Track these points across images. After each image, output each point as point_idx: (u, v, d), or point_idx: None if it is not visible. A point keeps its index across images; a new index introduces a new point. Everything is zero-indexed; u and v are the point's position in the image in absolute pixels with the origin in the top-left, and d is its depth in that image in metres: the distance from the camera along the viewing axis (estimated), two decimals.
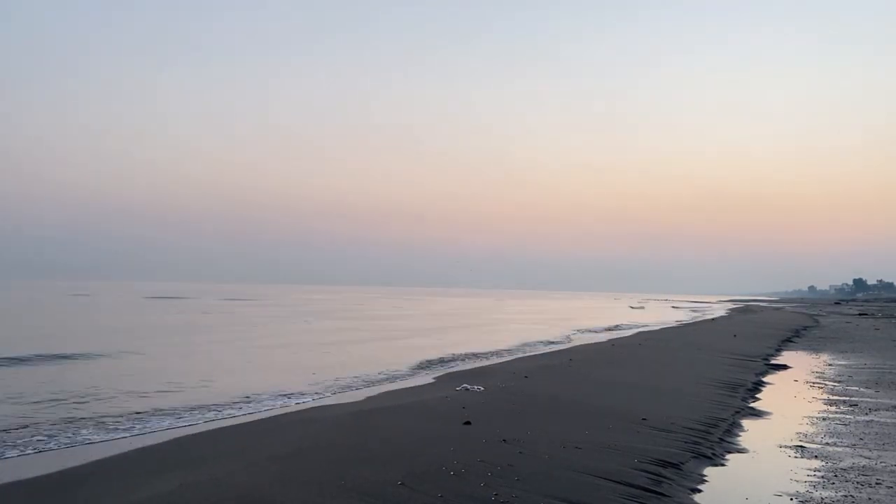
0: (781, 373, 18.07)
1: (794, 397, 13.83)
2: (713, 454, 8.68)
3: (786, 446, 9.27)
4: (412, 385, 15.56)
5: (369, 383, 16.21)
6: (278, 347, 25.92)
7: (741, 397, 13.44)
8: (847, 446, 9.26)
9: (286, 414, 11.68)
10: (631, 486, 6.91)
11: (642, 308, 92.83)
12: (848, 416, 11.51)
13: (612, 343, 27.44)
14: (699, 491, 7.15)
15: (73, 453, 9.20)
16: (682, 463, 8.02)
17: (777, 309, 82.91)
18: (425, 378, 16.87)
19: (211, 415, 12.01)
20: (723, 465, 8.31)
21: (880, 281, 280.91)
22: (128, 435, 10.39)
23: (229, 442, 9.12)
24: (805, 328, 39.21)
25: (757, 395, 13.92)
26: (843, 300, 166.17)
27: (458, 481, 6.61)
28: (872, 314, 60.23)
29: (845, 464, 8.26)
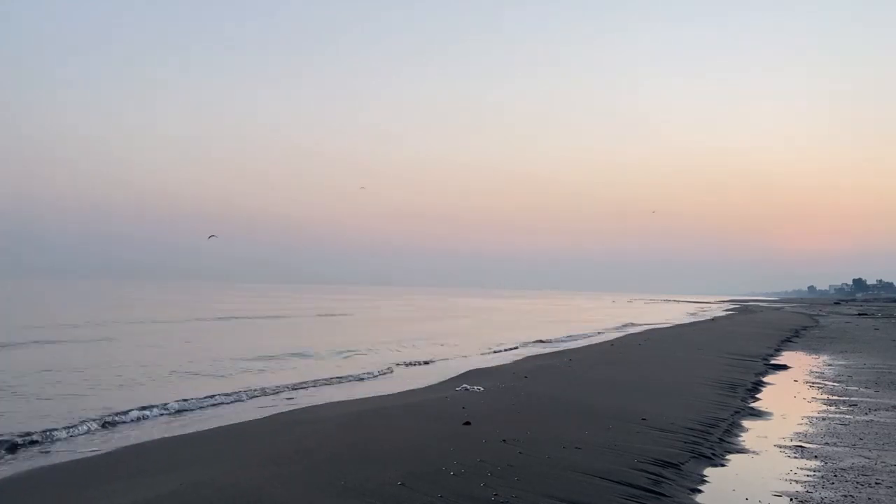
0: (781, 373, 18.07)
1: (794, 397, 13.83)
2: (713, 454, 8.68)
3: (785, 446, 9.27)
4: (412, 385, 15.57)
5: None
6: None
7: (741, 397, 13.44)
8: (847, 446, 9.26)
9: (286, 414, 11.68)
10: (631, 486, 6.91)
11: (641, 308, 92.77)
12: (848, 416, 11.51)
13: (611, 343, 27.48)
14: (699, 491, 7.15)
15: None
16: (682, 463, 8.02)
17: (776, 309, 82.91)
18: (423, 378, 16.88)
19: None
20: (723, 465, 8.31)
21: (880, 281, 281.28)
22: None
23: (229, 442, 9.13)
24: (805, 328, 39.21)
25: (757, 395, 13.92)
26: (842, 300, 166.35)
27: (458, 481, 6.62)
28: (872, 314, 60.25)
29: (845, 464, 8.26)
